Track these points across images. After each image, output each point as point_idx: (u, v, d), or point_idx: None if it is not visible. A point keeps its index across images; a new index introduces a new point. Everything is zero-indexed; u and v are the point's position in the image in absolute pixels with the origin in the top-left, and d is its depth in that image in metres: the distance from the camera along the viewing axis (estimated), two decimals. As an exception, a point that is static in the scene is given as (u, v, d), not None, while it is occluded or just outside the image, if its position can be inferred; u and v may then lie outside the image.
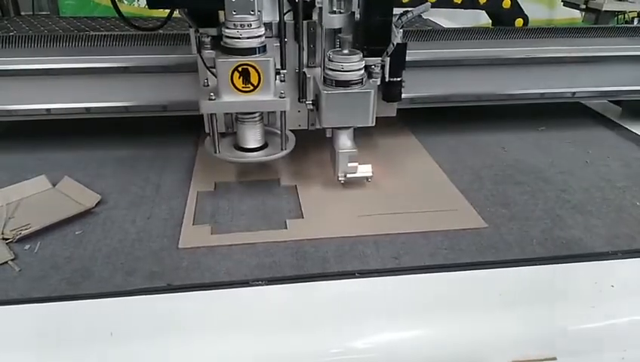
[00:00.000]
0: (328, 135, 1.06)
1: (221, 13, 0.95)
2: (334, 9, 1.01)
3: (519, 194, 1.08)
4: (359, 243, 0.91)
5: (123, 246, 0.90)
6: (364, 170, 1.07)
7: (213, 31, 0.97)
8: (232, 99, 0.94)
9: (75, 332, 0.74)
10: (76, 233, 0.94)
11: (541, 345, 0.77)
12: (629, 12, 3.12)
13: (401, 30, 1.00)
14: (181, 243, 0.91)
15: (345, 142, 1.04)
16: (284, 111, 1.00)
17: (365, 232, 0.94)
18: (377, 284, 0.83)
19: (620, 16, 3.11)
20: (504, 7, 1.80)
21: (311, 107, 1.06)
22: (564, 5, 3.25)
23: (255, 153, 1.06)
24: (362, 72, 0.99)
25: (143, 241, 0.92)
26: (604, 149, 1.30)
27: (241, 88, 0.93)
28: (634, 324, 0.80)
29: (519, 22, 1.85)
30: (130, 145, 1.28)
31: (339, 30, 1.04)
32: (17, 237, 0.90)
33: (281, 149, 1.06)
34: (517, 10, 1.84)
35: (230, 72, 0.92)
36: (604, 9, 2.92)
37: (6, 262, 0.85)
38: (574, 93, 1.37)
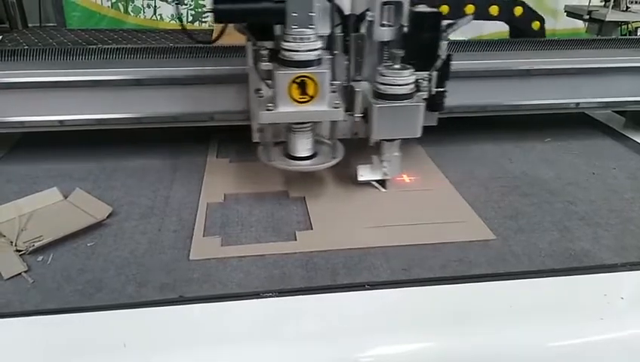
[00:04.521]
0: (372, 144, 1.09)
1: (276, 27, 0.99)
2: (384, 22, 1.04)
3: (527, 206, 1.09)
4: (368, 254, 0.92)
5: (135, 258, 0.91)
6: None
7: (269, 44, 0.99)
8: (289, 109, 0.97)
9: (88, 343, 0.75)
10: (88, 245, 0.95)
11: (551, 357, 0.78)
12: (633, 22, 3.13)
13: (446, 42, 1.03)
14: (192, 254, 0.92)
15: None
16: (336, 121, 1.03)
17: (374, 244, 0.95)
18: (387, 296, 0.84)
19: (623, 27, 3.12)
20: (533, 28, 1.82)
21: (359, 120, 1.08)
22: (567, 15, 3.27)
23: (307, 161, 1.08)
24: (412, 85, 1.02)
25: (154, 253, 0.92)
26: (610, 161, 1.31)
27: (297, 99, 0.96)
28: (644, 336, 0.80)
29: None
30: (139, 156, 1.29)
31: (386, 43, 1.06)
32: (30, 249, 0.91)
33: (332, 158, 1.08)
34: (542, 32, 1.86)
35: (289, 83, 0.95)
36: (607, 19, 2.93)
37: (19, 274, 0.86)
38: (578, 103, 1.38)
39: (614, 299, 0.83)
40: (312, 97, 0.96)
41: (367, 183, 1.15)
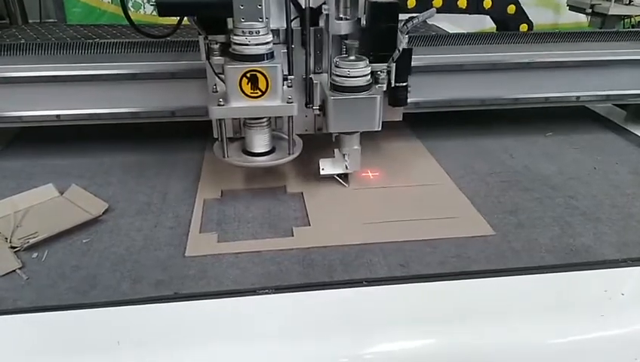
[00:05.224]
0: (334, 140, 1.08)
1: (229, 20, 0.96)
2: (341, 16, 1.02)
3: (527, 201, 1.07)
4: (366, 250, 0.91)
5: (130, 255, 0.90)
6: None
7: (221, 38, 0.98)
8: (240, 104, 0.95)
9: (82, 340, 0.74)
10: (83, 241, 0.94)
11: (551, 354, 0.77)
12: (635, 16, 3.10)
13: (407, 36, 1.01)
14: (188, 251, 0.91)
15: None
16: (292, 116, 1.01)
17: (372, 240, 0.94)
18: (385, 293, 0.83)
19: (626, 20, 3.10)
20: (509, 12, 1.80)
21: (318, 112, 1.06)
22: (569, 9, 3.24)
23: (263, 158, 1.06)
24: (368, 77, 1.00)
25: (149, 249, 0.92)
26: (612, 155, 1.29)
27: (249, 94, 0.94)
28: (645, 333, 0.79)
29: (524, 27, 1.86)
30: (136, 152, 1.28)
31: (345, 36, 1.04)
32: (25, 245, 0.90)
33: (289, 154, 1.06)
34: (521, 16, 1.84)
35: (239, 78, 0.93)
36: (610, 13, 2.91)
37: (14, 271, 0.85)
38: (579, 97, 1.36)
39: (615, 295, 0.82)
40: (263, 92, 0.94)
41: (366, 179, 1.14)
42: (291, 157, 1.06)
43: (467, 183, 1.14)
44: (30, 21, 2.81)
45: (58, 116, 1.20)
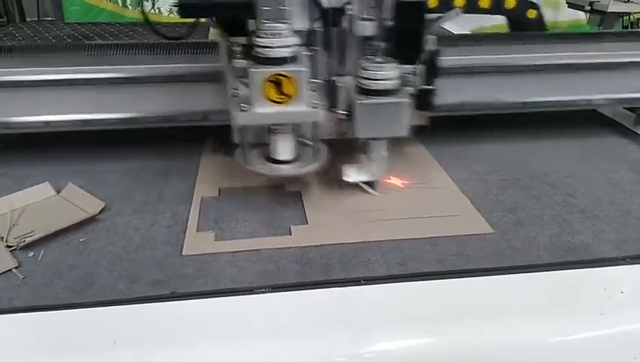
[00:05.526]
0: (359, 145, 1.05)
1: (251, 21, 0.94)
2: (365, 16, 0.99)
3: (526, 200, 1.07)
4: (364, 249, 0.90)
5: (127, 254, 0.90)
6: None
7: (243, 40, 0.95)
8: (265, 110, 0.91)
9: (78, 340, 0.74)
10: (80, 240, 0.93)
11: (550, 352, 0.76)
12: (634, 13, 3.10)
13: (434, 37, 0.98)
14: (185, 250, 0.91)
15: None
16: (316, 122, 0.98)
17: (370, 238, 0.93)
18: (383, 291, 0.82)
19: (625, 18, 3.09)
20: (529, 16, 1.78)
21: (344, 117, 1.02)
22: (568, 7, 3.24)
23: (288, 166, 1.03)
24: (397, 80, 0.96)
25: (146, 248, 0.91)
26: (612, 154, 1.29)
27: (274, 99, 0.91)
28: (644, 331, 0.79)
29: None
30: (134, 151, 1.27)
31: (369, 37, 1.01)
32: (21, 244, 0.90)
33: (313, 161, 1.03)
34: (539, 23, 1.81)
35: (263, 82, 0.89)
36: (609, 10, 2.90)
37: (10, 270, 0.85)
38: (590, 100, 1.33)
39: (614, 294, 0.81)
40: (289, 97, 0.90)
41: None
42: (317, 166, 1.02)
43: (466, 182, 1.14)
44: (28, 19, 2.81)
45: (46, 123, 1.17)
